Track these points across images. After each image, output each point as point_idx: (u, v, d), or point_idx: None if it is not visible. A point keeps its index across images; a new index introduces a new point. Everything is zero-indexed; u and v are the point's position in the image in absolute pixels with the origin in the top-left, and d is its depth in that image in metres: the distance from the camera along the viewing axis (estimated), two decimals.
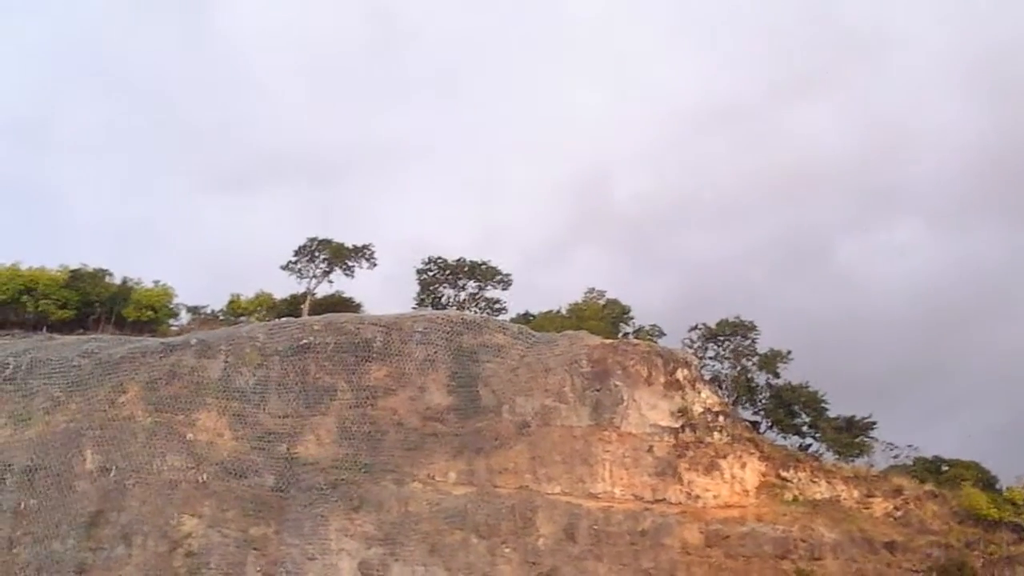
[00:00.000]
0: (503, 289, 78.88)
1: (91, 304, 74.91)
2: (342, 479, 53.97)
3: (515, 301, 79.66)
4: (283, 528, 52.67)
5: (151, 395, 57.81)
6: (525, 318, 75.58)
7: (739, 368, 71.08)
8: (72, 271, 76.55)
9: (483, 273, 78.49)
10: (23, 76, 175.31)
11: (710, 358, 71.90)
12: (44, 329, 71.13)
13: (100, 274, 77.11)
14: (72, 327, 72.13)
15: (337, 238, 79.08)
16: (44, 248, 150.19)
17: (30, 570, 53.07)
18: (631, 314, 78.05)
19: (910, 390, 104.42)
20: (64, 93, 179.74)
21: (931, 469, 65.00)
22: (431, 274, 78.95)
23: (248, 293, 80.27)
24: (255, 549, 52.24)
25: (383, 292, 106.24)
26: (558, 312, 77.40)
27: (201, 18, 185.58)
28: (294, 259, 78.23)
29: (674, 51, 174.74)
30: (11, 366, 61.01)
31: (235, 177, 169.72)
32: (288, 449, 55.40)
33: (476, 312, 73.36)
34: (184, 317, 79.55)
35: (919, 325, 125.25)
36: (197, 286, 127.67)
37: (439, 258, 79.19)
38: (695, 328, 72.95)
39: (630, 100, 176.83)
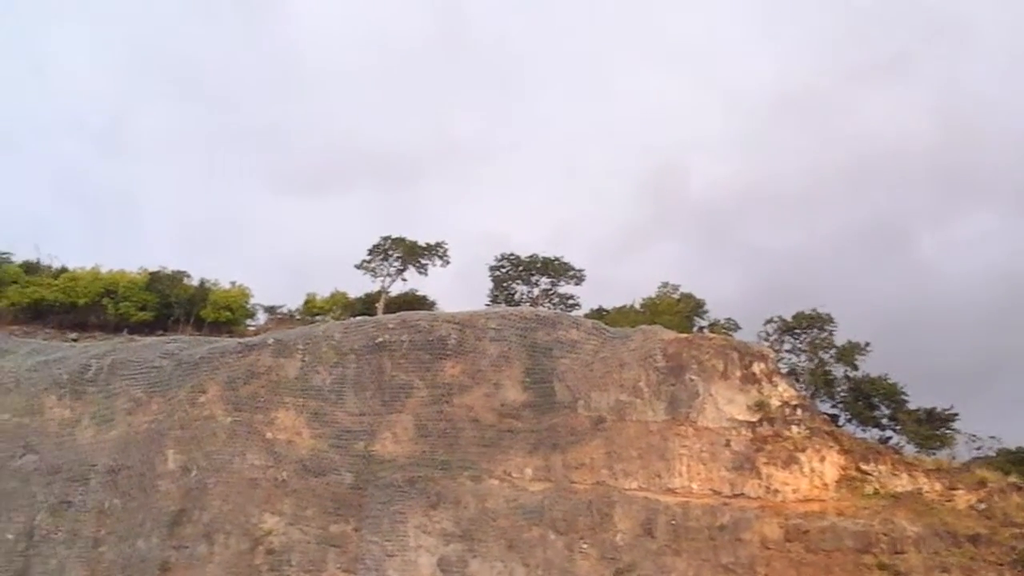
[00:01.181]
0: (576, 285, 78.79)
1: (170, 306, 76.12)
2: (419, 476, 54.19)
3: (588, 296, 79.62)
4: (362, 525, 53.05)
5: (230, 395, 58.55)
6: (599, 313, 75.23)
7: (816, 361, 70.06)
8: (151, 274, 77.90)
9: (556, 269, 78.37)
10: (96, 83, 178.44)
11: (787, 351, 70.91)
12: (125, 331, 72.44)
13: (178, 276, 78.36)
14: (152, 329, 73.41)
15: (410, 236, 79.55)
16: (122, 251, 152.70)
17: (115, 568, 54.10)
18: (705, 308, 77.57)
19: (992, 380, 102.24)
20: (138, 97, 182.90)
21: (1015, 460, 63.56)
22: (504, 271, 79.02)
23: (323, 292, 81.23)
24: (335, 546, 52.70)
25: (456, 289, 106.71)
26: (632, 307, 76.99)
27: (273, 20, 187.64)
28: (368, 258, 78.76)
29: (749, 37, 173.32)
30: (93, 368, 62.15)
31: (308, 177, 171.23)
32: (366, 447, 55.75)
33: (549, 308, 73.23)
34: (261, 317, 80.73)
35: (1000, 314, 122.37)
36: (273, 286, 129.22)
37: (512, 255, 79.31)
38: (771, 321, 71.97)
39: (704, 88, 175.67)
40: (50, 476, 58.29)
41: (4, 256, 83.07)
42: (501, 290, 78.64)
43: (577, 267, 78.86)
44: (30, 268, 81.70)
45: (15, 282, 78.11)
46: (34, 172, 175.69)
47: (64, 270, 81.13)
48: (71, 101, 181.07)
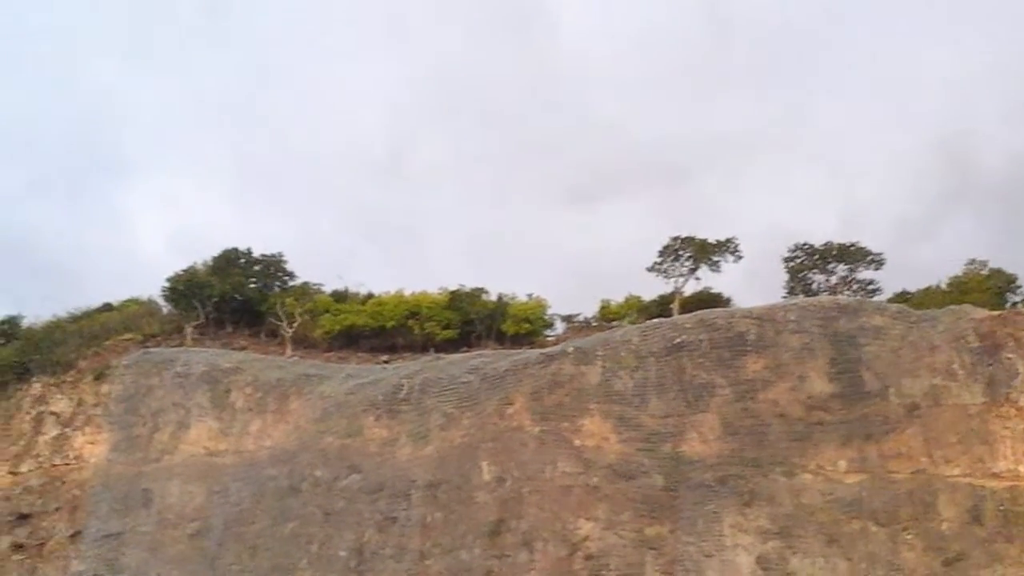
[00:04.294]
0: (875, 269, 76.31)
1: (471, 322, 78.49)
2: (730, 475, 53.71)
3: (889, 280, 77.07)
4: (677, 527, 53.04)
5: (536, 405, 59.69)
6: (902, 297, 72.79)
7: None
8: (451, 293, 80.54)
9: (852, 255, 76.20)
10: (375, 113, 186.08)
11: None
12: (431, 350, 75.05)
13: (477, 293, 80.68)
14: (456, 346, 75.88)
15: (698, 235, 79.14)
16: (414, 274, 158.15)
17: None
18: (1018, 283, 73.78)
19: None
20: (414, 123, 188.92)
21: None
22: (799, 261, 77.49)
23: (617, 298, 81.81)
24: (652, 549, 52.91)
25: (749, 284, 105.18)
26: (937, 287, 74.20)
27: (539, 35, 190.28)
28: (659, 259, 78.74)
29: None
30: (405, 387, 64.66)
31: (585, 185, 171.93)
32: (673, 448, 55.69)
33: (849, 295, 71.28)
34: (559, 327, 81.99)
35: None
36: (566, 295, 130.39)
37: (805, 244, 77.62)
38: None
39: (980, 54, 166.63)
40: (374, 494, 61.01)
41: (316, 287, 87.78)
42: (797, 281, 77.14)
43: (874, 251, 76.56)
44: (339, 297, 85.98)
45: (327, 311, 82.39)
46: (329, 205, 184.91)
47: (371, 296, 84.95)
48: (353, 133, 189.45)
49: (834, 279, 76.08)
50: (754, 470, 53.58)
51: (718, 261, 78.17)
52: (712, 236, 78.84)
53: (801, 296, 71.66)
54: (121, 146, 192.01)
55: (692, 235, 78.39)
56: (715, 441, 55.35)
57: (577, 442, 57.39)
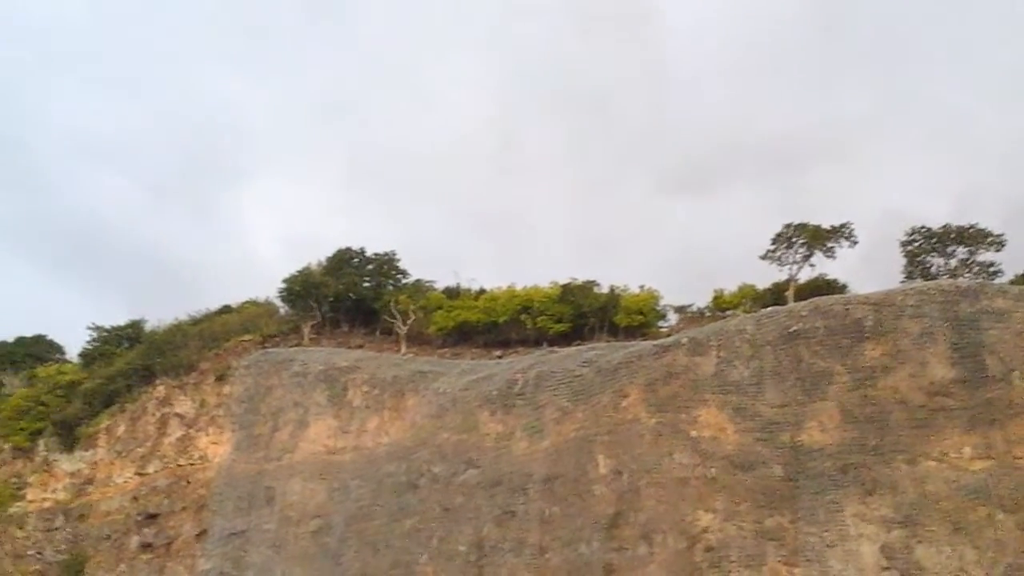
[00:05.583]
0: (996, 251, 74.21)
1: (583, 315, 78.40)
2: (851, 463, 52.77)
3: (1011, 262, 75.00)
4: (798, 517, 52.35)
5: (651, 396, 59.43)
6: None
7: None
8: (563, 286, 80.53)
9: (972, 237, 74.25)
10: (482, 110, 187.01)
11: None
12: (544, 344, 75.23)
13: (588, 285, 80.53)
14: (569, 339, 75.94)
15: (812, 221, 77.89)
16: (524, 268, 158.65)
17: (562, 573, 56.35)
18: None
19: None
20: (522, 119, 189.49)
21: None
22: (917, 244, 75.84)
23: (730, 287, 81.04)
24: (772, 540, 52.31)
25: (865, 270, 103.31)
26: None
27: (644, 23, 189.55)
28: (772, 247, 77.72)
29: None
30: (520, 382, 64.90)
31: (696, 175, 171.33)
32: (791, 438, 54.94)
33: (970, 278, 69.57)
34: (672, 318, 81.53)
35: None
36: (677, 285, 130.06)
37: (923, 227, 75.92)
38: None
39: None
40: (491, 489, 61.42)
41: (428, 284, 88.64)
42: (915, 265, 75.48)
43: (994, 232, 74.53)
44: (451, 293, 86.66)
45: (440, 307, 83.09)
46: (438, 203, 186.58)
47: (482, 292, 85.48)
48: (461, 127, 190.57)
49: (953, 262, 74.26)
50: (876, 458, 52.60)
51: (833, 247, 76.83)
52: (826, 222, 77.58)
53: (920, 280, 70.07)
54: (236, 154, 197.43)
55: (805, 222, 77.20)
56: (835, 430, 54.46)
57: (693, 433, 56.99)
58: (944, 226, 75.09)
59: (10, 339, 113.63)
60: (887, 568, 49.78)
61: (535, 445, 61.65)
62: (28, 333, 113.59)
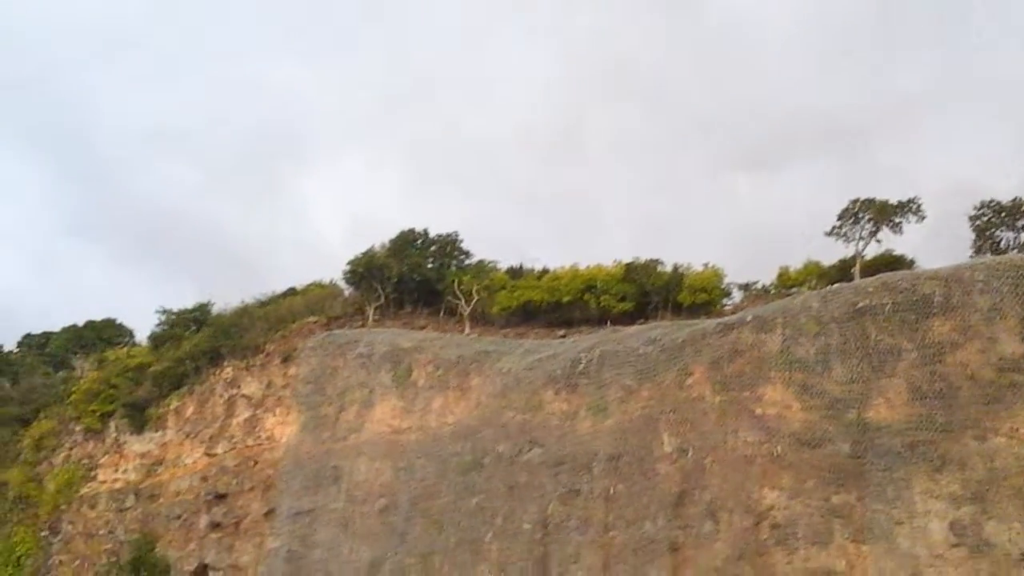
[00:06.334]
0: None
1: (647, 294, 78.19)
2: (919, 440, 52.06)
3: None
4: (865, 494, 51.79)
5: (716, 375, 59.11)
6: None
7: None
8: (626, 265, 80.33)
9: None
10: (543, 94, 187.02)
11: None
12: (608, 323, 75.17)
13: (652, 264, 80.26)
14: (632, 318, 75.74)
15: (879, 196, 76.88)
16: (588, 248, 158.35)
17: (627, 551, 56.32)
18: None
19: None
20: (583, 100, 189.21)
21: None
22: (986, 219, 74.54)
23: (795, 264, 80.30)
24: (839, 517, 51.83)
25: (933, 245, 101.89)
26: None
27: (697, 6, 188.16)
28: (838, 223, 76.70)
29: None
30: (584, 361, 64.83)
31: (759, 153, 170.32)
32: (858, 415, 54.29)
33: None
34: (736, 295, 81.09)
35: None
36: (741, 263, 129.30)
37: (992, 201, 74.58)
38: None
39: None
40: (556, 467, 61.50)
41: (491, 264, 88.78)
42: (985, 240, 74.21)
43: None
44: (514, 273, 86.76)
45: (503, 287, 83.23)
46: (501, 185, 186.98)
47: (546, 271, 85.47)
48: (522, 112, 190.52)
49: None
50: (944, 435, 51.83)
51: (900, 223, 75.65)
52: (893, 197, 76.50)
53: (989, 255, 68.91)
54: (301, 140, 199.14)
55: (872, 197, 76.20)
56: (902, 406, 53.77)
57: (759, 411, 56.59)
58: (1014, 199, 73.69)
59: (81, 323, 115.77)
60: (956, 545, 49.10)
61: (599, 424, 61.62)
62: (98, 318, 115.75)
